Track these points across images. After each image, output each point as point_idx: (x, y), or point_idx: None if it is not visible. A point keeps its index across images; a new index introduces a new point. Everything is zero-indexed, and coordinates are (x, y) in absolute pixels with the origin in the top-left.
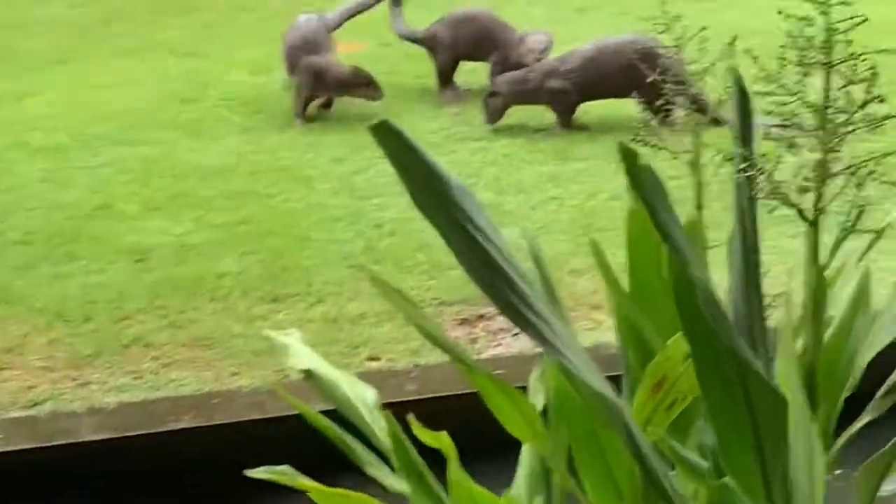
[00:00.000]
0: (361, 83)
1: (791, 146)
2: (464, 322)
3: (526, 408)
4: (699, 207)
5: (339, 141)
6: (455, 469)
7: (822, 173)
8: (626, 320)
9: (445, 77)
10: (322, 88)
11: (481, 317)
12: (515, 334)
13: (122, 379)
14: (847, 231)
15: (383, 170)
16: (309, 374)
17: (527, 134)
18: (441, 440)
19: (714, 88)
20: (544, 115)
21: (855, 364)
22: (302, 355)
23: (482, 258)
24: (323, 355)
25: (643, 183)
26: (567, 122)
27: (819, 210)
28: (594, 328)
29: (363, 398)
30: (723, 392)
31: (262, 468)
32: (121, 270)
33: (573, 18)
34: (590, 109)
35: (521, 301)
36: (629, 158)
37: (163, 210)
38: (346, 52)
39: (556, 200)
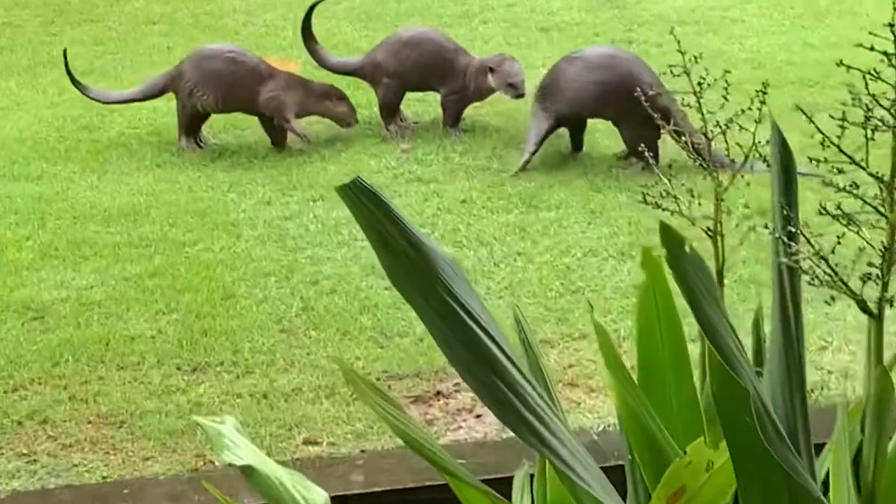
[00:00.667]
0: (342, 97)
1: (850, 222)
2: (417, 400)
3: None
4: (720, 284)
5: (267, 179)
6: None
7: (890, 258)
8: (633, 414)
9: (390, 109)
10: (302, 105)
11: (438, 394)
12: (479, 416)
13: (14, 462)
14: None
15: (319, 215)
16: (248, 471)
17: (488, 175)
18: None
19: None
20: (507, 152)
21: None
22: (239, 447)
23: (470, 348)
24: (252, 438)
25: (687, 271)
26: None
27: (885, 301)
28: (570, 410)
29: (311, 501)
30: None
31: None
32: (12, 331)
33: (538, 40)
34: (561, 146)
35: (517, 397)
36: (672, 242)
37: (61, 259)
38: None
39: (522, 256)
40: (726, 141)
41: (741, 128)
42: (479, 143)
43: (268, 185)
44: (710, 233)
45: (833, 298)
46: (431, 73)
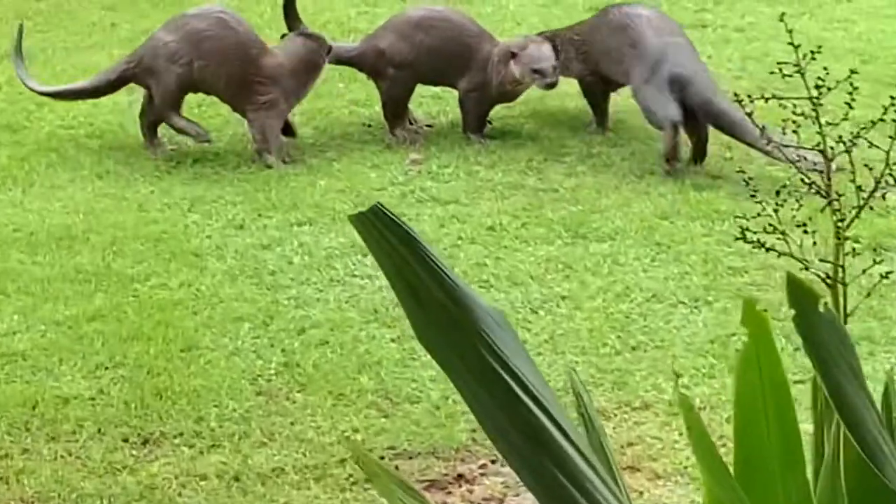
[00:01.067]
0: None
1: None
2: (433, 485)
3: None
4: None
5: (239, 196)
6: None
7: None
8: None
9: (397, 109)
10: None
11: (459, 478)
12: None
13: None
14: None
15: (306, 244)
16: None
17: (523, 195)
18: None
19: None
20: (546, 166)
21: None
22: None
23: (520, 424)
24: None
25: (821, 336)
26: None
27: None
28: (632, 501)
29: None
30: None
31: None
32: None
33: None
34: (614, 157)
35: (579, 491)
36: (802, 298)
37: None
38: None
39: (567, 301)
40: (851, 161)
41: (870, 144)
42: (511, 154)
43: (240, 204)
44: (828, 280)
45: None
46: (448, 64)
